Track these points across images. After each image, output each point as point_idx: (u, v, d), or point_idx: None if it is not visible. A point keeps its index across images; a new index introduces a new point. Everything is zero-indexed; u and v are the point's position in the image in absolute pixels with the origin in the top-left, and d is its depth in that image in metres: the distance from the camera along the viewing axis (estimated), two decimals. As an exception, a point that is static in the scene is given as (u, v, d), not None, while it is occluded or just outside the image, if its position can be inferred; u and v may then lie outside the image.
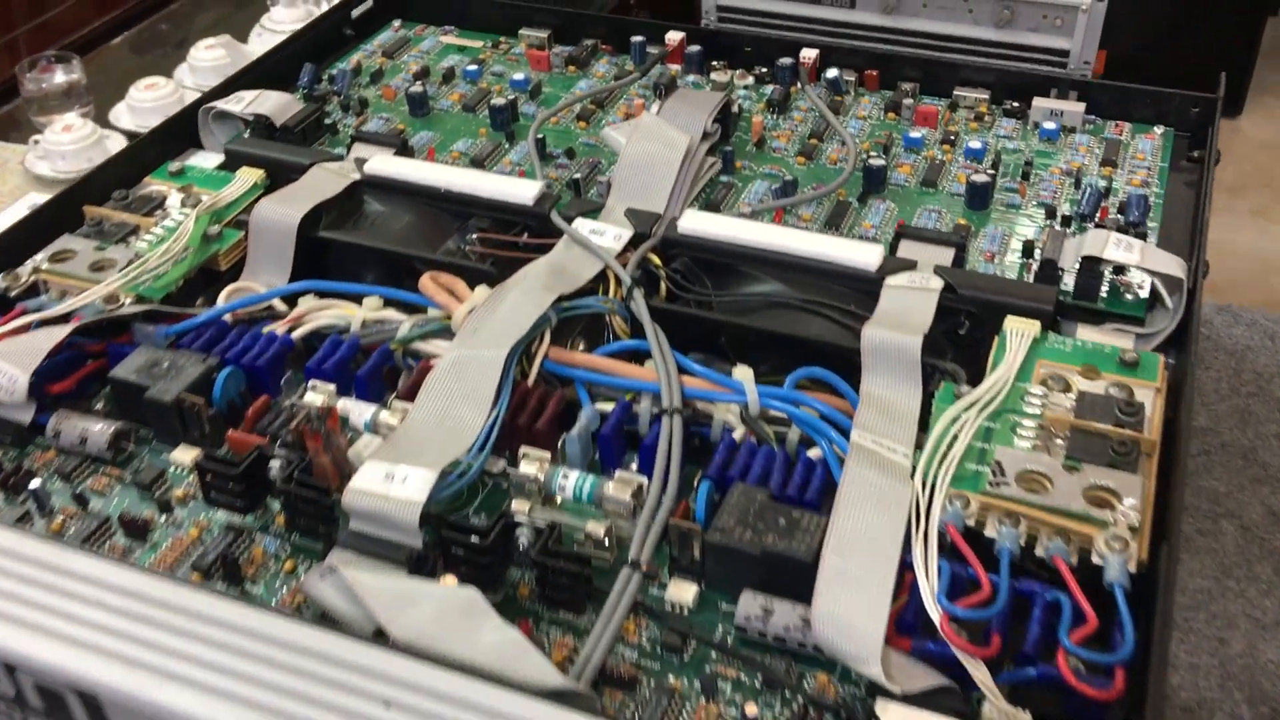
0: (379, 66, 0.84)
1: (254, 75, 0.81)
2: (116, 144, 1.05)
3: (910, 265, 0.60)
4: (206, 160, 0.74)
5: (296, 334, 0.60)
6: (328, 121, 0.76)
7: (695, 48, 0.82)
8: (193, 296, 0.64)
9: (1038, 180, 0.70)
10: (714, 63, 0.82)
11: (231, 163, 0.71)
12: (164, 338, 0.59)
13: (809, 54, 0.80)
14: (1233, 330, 0.83)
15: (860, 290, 0.60)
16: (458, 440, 0.52)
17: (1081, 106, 0.74)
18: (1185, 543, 0.69)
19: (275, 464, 0.51)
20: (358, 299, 0.61)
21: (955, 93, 0.77)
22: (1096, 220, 0.65)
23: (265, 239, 0.65)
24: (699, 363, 0.60)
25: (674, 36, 0.83)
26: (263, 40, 1.19)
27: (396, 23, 0.90)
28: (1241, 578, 0.68)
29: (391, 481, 0.49)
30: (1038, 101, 0.74)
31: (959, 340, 0.59)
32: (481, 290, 0.59)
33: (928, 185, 0.70)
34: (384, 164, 0.68)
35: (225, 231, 0.65)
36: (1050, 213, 0.66)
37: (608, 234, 0.63)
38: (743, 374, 0.54)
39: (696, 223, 0.63)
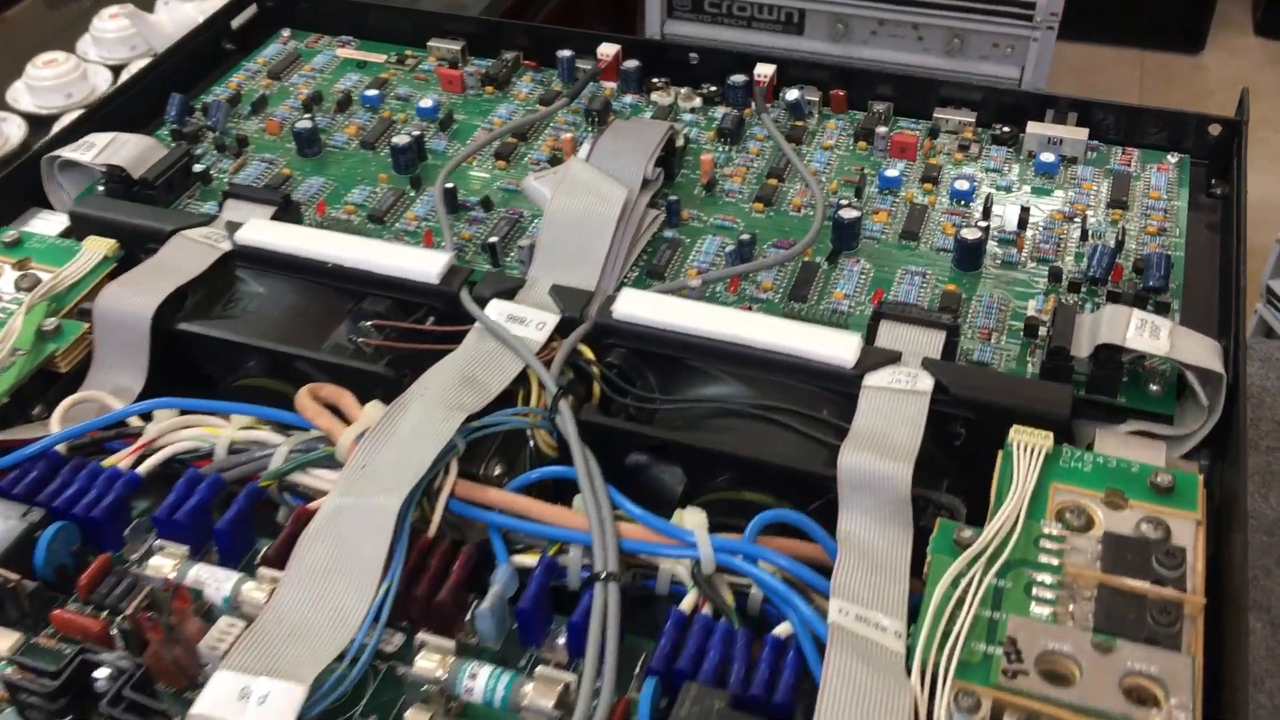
0: (262, 92, 0.72)
1: (114, 107, 0.69)
2: (15, 129, 0.94)
3: (894, 357, 0.49)
4: (50, 224, 0.62)
5: (146, 466, 0.49)
6: (199, 168, 0.64)
7: (633, 63, 0.70)
8: (28, 405, 0.53)
9: (1036, 227, 0.59)
10: (655, 80, 0.71)
11: (78, 228, 0.59)
12: (-19, 476, 0.48)
13: (765, 70, 0.68)
14: (1245, 369, 0.73)
15: (834, 390, 0.49)
16: (339, 627, 0.41)
17: (1084, 133, 0.63)
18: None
19: (102, 673, 0.40)
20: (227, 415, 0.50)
21: (935, 114, 0.66)
22: (1110, 282, 0.55)
23: (113, 335, 0.54)
24: (642, 470, 0.50)
25: (607, 50, 0.71)
26: (169, 9, 1.06)
27: (285, 33, 0.78)
28: (1275, 690, 0.59)
29: (248, 701, 0.38)
30: (1032, 127, 0.64)
31: (954, 453, 0.49)
32: (373, 409, 0.48)
33: (908, 238, 0.59)
34: (259, 232, 0.57)
35: (65, 325, 0.54)
36: (1055, 275, 0.56)
37: (529, 321, 0.52)
38: (693, 520, 0.44)
39: (634, 305, 0.52)
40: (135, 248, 0.58)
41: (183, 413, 0.50)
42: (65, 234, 0.60)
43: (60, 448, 0.49)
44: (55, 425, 0.50)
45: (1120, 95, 2.04)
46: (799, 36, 1.43)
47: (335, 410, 0.49)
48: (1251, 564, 0.65)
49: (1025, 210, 0.59)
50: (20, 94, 0.99)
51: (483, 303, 0.53)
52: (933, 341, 0.51)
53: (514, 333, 0.51)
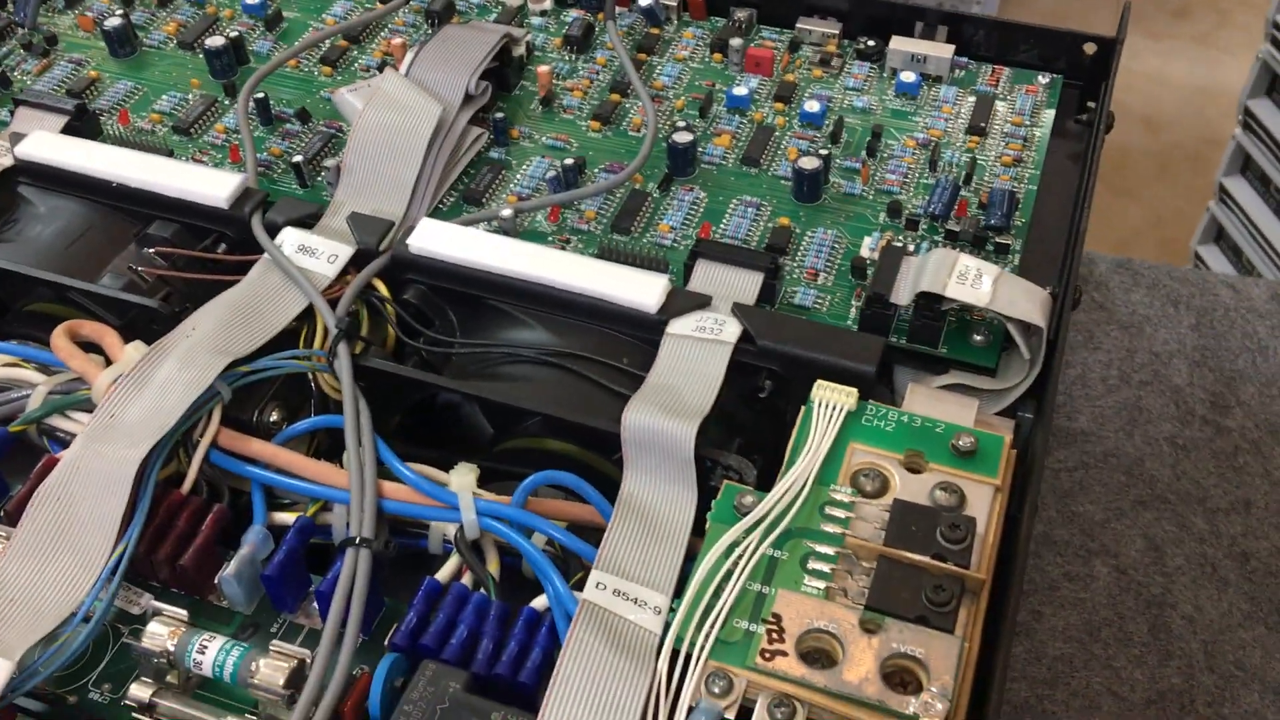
0: (88, -13, 0.66)
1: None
2: None
3: (703, 302, 0.46)
4: None
5: (-104, 406, 0.45)
6: (-2, 70, 0.59)
7: (483, -42, 0.65)
8: None
9: (887, 156, 0.55)
10: (506, -23, 0.66)
11: None
12: None
13: (620, -29, 0.63)
14: (1130, 296, 0.70)
15: (640, 337, 0.46)
16: (64, 594, 0.38)
17: (950, 50, 0.58)
18: (1050, 593, 0.58)
19: None
20: (-13, 351, 0.47)
21: (799, 25, 0.62)
22: (954, 219, 0.52)
23: (-126, 257, 0.50)
24: (455, 409, 0.47)
25: (455, -56, 0.65)
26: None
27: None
28: (1110, 640, 0.58)
29: (-52, 676, 0.35)
30: (896, 42, 0.59)
31: (759, 408, 0.46)
32: (134, 350, 0.45)
33: (749, 164, 0.55)
34: (42, 146, 0.52)
35: None
36: (894, 210, 0.52)
37: (321, 252, 0.49)
38: (460, 483, 0.41)
39: (432, 238, 0.48)
40: (-86, 159, 0.53)
41: (-59, 347, 0.47)
42: None
43: None
44: None
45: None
46: None
47: (99, 350, 0.46)
48: (1106, 506, 0.63)
49: (875, 136, 0.55)
50: None
51: (275, 231, 0.49)
52: (749, 284, 0.48)
53: (303, 265, 0.48)
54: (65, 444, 0.44)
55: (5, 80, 0.60)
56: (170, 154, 0.56)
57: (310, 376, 0.46)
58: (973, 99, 0.58)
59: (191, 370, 0.43)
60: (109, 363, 0.45)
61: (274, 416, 0.46)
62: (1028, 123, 0.56)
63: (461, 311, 0.49)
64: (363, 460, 0.41)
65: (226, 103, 0.59)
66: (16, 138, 0.53)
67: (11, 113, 0.56)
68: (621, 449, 0.43)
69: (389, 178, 0.52)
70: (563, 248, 0.52)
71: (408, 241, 0.48)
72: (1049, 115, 0.57)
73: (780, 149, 0.56)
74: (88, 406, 0.44)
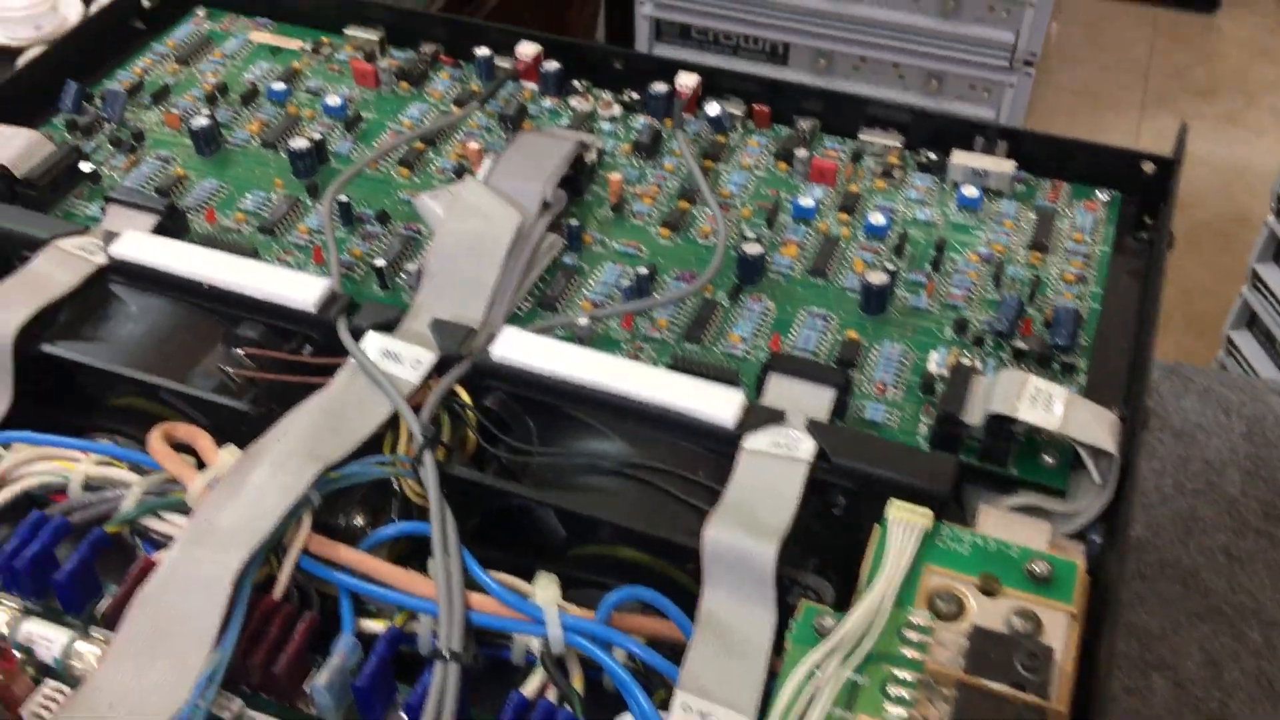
0: (166, 80, 0.69)
1: (11, 93, 0.66)
2: None
3: (777, 416, 0.47)
4: (-78, 222, 0.59)
5: (-5, 503, 0.47)
6: (89, 166, 0.62)
7: (553, 65, 0.67)
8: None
9: (951, 270, 0.57)
10: (576, 83, 0.68)
11: (-53, 230, 0.57)
12: None
13: (688, 80, 0.65)
14: (1182, 402, 0.71)
15: (715, 450, 0.47)
16: (161, 700, 0.39)
17: (1010, 165, 0.60)
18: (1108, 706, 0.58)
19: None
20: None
21: (862, 136, 0.63)
22: (1019, 336, 0.53)
23: (-25, 353, 0.51)
24: (528, 511, 0.48)
25: (527, 50, 0.68)
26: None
27: (200, 12, 0.74)
28: (1170, 753, 0.58)
29: (52, 788, 0.37)
30: (958, 156, 0.61)
31: (833, 525, 0.47)
32: (228, 454, 0.46)
33: (816, 275, 0.56)
34: (135, 246, 0.54)
35: (-76, 338, 0.51)
36: (960, 326, 0.53)
37: (405, 358, 0.50)
38: (545, 597, 0.42)
39: (514, 347, 0.49)
40: (10, 254, 0.55)
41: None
42: (-61, 235, 0.57)
43: (-93, 480, 0.47)
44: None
45: (1129, 53, 2.00)
46: (784, 67, 1.45)
47: (193, 452, 0.47)
48: (1163, 618, 0.63)
49: (939, 250, 0.57)
50: None
51: (360, 334, 0.51)
52: (822, 399, 0.49)
53: (388, 370, 0.49)
54: (158, 545, 0.46)
55: (95, 176, 0.62)
56: (255, 253, 0.57)
57: (394, 483, 0.47)
58: (1034, 214, 0.59)
59: (285, 476, 0.44)
60: (201, 465, 0.46)
61: (359, 521, 0.47)
62: (1089, 239, 0.58)
63: (539, 418, 0.50)
64: (450, 571, 0.43)
65: (309, 203, 0.61)
66: (110, 236, 0.55)
67: (103, 209, 0.58)
68: (695, 560, 0.45)
69: (469, 283, 0.54)
70: (636, 356, 0.53)
71: (490, 350, 0.49)
72: (1109, 232, 0.58)
73: (846, 260, 0.57)
74: (181, 508, 0.46)
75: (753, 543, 0.42)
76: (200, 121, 0.63)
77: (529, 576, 0.44)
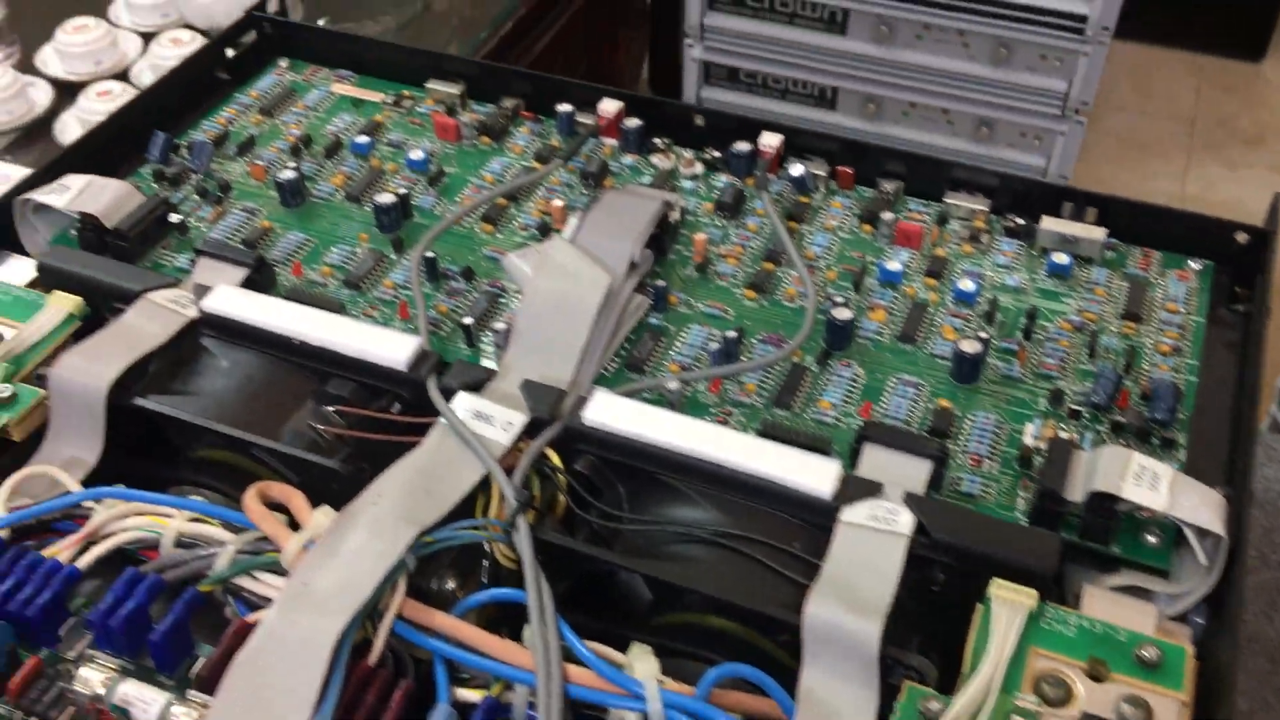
0: (251, 130, 0.69)
1: (99, 141, 0.66)
2: (42, 94, 0.93)
3: (874, 489, 0.47)
4: (18, 272, 0.60)
5: (89, 558, 0.47)
6: (176, 217, 0.62)
7: (634, 122, 0.67)
8: (-23, 473, 0.51)
9: (1042, 338, 0.56)
10: (657, 140, 0.68)
11: (45, 280, 0.57)
12: (-85, 560, 0.46)
13: (771, 140, 0.65)
14: (1265, 471, 0.70)
15: (810, 521, 0.47)
16: (261, 769, 0.39)
17: (1102, 233, 0.60)
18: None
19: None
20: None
21: (947, 200, 0.63)
22: (1116, 409, 0.52)
23: (68, 406, 0.52)
24: (613, 575, 0.48)
25: (609, 106, 0.68)
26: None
27: (283, 63, 0.75)
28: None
29: None
30: (1048, 222, 0.60)
31: (931, 600, 0.46)
32: (323, 515, 0.46)
33: (905, 341, 0.56)
34: (225, 300, 0.55)
35: (20, 391, 0.52)
36: (1056, 398, 0.53)
37: (496, 420, 0.50)
38: (645, 670, 0.42)
39: (606, 411, 0.49)
40: (101, 306, 0.56)
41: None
42: (33, 284, 0.58)
43: (2, 533, 0.47)
44: (1, 505, 0.48)
45: (1175, 102, 1.99)
46: (842, 36, 1.43)
47: (287, 511, 0.47)
48: (1252, 695, 0.62)
49: (1031, 318, 0.56)
50: (49, 59, 0.98)
51: (450, 394, 0.51)
52: (918, 471, 0.48)
53: (479, 432, 0.49)
54: (252, 605, 0.46)
55: (183, 227, 0.62)
56: (342, 308, 0.58)
57: (486, 546, 0.47)
58: (1125, 282, 0.59)
59: (382, 540, 0.44)
60: (293, 524, 0.46)
61: (450, 585, 0.47)
62: (1182, 309, 0.57)
63: (629, 483, 0.50)
64: (548, 641, 0.42)
65: (393, 257, 0.61)
66: (201, 290, 0.55)
67: (193, 261, 0.58)
68: (788, 632, 0.44)
69: (558, 344, 0.54)
70: (724, 421, 0.53)
71: (583, 414, 0.49)
72: (1203, 301, 0.58)
73: (934, 326, 0.57)
74: (275, 569, 0.45)
75: (855, 620, 0.41)
76: (286, 174, 0.64)
77: (613, 643, 0.43)
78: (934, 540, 0.45)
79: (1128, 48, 2.05)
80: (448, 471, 0.48)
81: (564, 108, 0.68)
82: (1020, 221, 0.61)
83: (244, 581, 0.46)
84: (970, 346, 0.53)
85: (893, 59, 1.43)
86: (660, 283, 0.58)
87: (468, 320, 0.56)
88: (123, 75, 0.97)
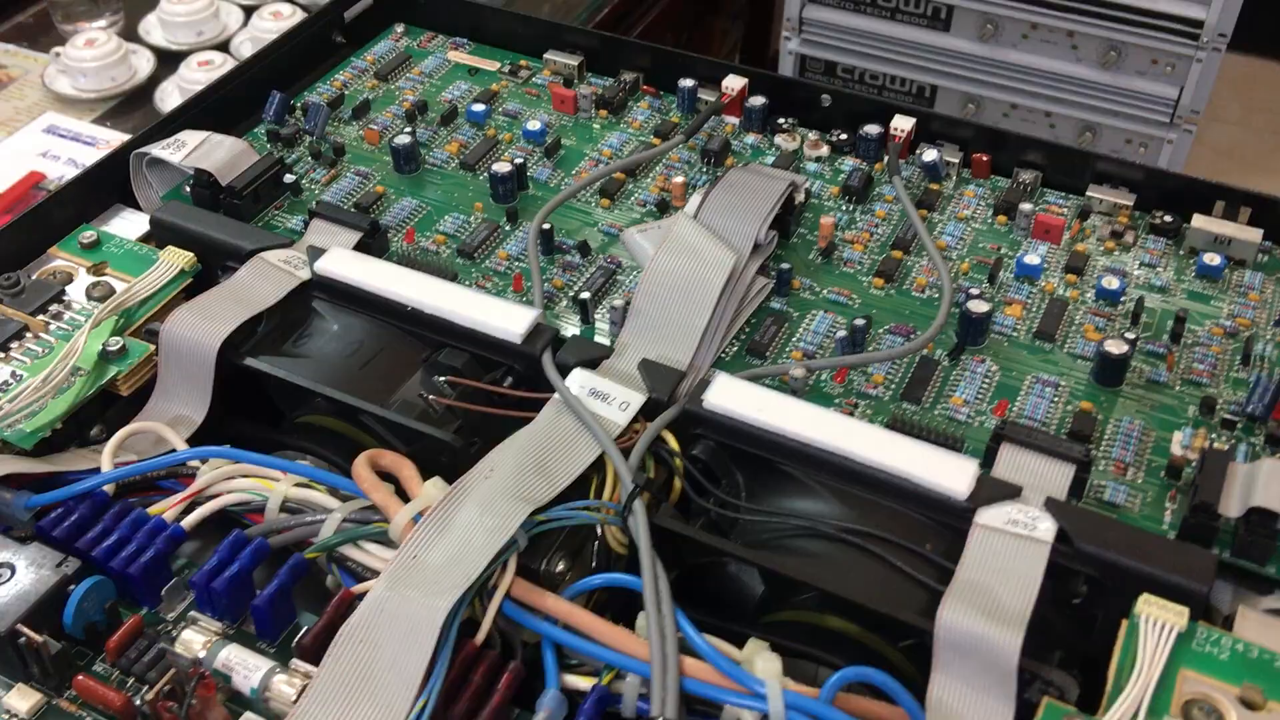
0: (366, 95, 0.68)
1: (219, 99, 0.66)
2: (144, 62, 0.94)
3: (1013, 492, 0.44)
4: (132, 225, 0.60)
5: (194, 518, 0.46)
6: (290, 178, 0.61)
7: (759, 99, 0.65)
8: (86, 426, 0.50)
9: (1192, 342, 0.52)
10: (781, 120, 0.65)
11: (158, 235, 0.57)
12: (25, 510, 0.46)
13: (903, 124, 0.62)
14: None
15: (940, 521, 0.44)
16: (365, 745, 0.38)
17: (1258, 235, 0.56)
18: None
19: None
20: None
21: (1089, 193, 0.60)
22: (1272, 421, 0.49)
23: (178, 363, 0.51)
24: (722, 566, 0.46)
25: (733, 83, 0.66)
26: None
27: (399, 28, 0.74)
28: None
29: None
30: (1199, 221, 0.57)
31: (1070, 612, 0.43)
32: (434, 488, 0.44)
33: (1043, 339, 0.53)
34: (339, 263, 0.53)
35: (130, 345, 0.51)
36: (1208, 407, 0.49)
37: (613, 399, 0.48)
38: (767, 669, 0.39)
39: (728, 396, 0.47)
40: (213, 263, 0.55)
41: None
42: (145, 238, 0.57)
43: (108, 487, 0.47)
44: (107, 459, 0.48)
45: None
46: (945, 34, 1.38)
47: (395, 481, 0.46)
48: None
49: (1180, 321, 0.53)
50: (152, 27, 0.99)
51: (565, 370, 0.49)
52: (1060, 476, 0.45)
53: (594, 410, 0.47)
54: (356, 575, 0.44)
55: (296, 188, 0.61)
56: (455, 277, 0.56)
57: (598, 529, 0.45)
58: (1275, 289, 0.55)
59: (493, 517, 0.42)
60: (400, 495, 0.45)
61: (560, 567, 0.45)
62: (1343, 319, 0.53)
63: (747, 472, 0.48)
64: (664, 631, 0.40)
65: (507, 228, 0.59)
66: (315, 252, 0.54)
67: (306, 222, 0.57)
68: (913, 637, 0.42)
69: (678, 323, 0.51)
70: (850, 413, 0.50)
71: (704, 398, 0.47)
72: (1366, 312, 0.54)
73: (1075, 325, 0.54)
74: (382, 539, 0.44)
75: (993, 629, 0.39)
76: (402, 140, 0.62)
77: (720, 637, 0.41)
78: (1077, 550, 0.42)
79: (1236, 60, 1.96)
80: (562, 450, 0.46)
81: (686, 83, 0.66)
82: (1168, 219, 0.58)
83: (349, 550, 0.44)
84: (1116, 347, 0.50)
85: (997, 58, 1.38)
86: (785, 265, 0.55)
87: (584, 295, 0.54)
88: (223, 46, 0.97)
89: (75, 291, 0.54)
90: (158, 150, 0.60)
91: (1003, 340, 0.53)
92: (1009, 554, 0.42)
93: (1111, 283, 0.54)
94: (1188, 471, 0.47)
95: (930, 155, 0.61)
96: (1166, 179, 0.59)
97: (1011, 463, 0.46)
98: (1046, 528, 0.42)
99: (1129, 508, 0.46)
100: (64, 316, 0.52)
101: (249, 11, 1.01)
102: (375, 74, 0.70)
